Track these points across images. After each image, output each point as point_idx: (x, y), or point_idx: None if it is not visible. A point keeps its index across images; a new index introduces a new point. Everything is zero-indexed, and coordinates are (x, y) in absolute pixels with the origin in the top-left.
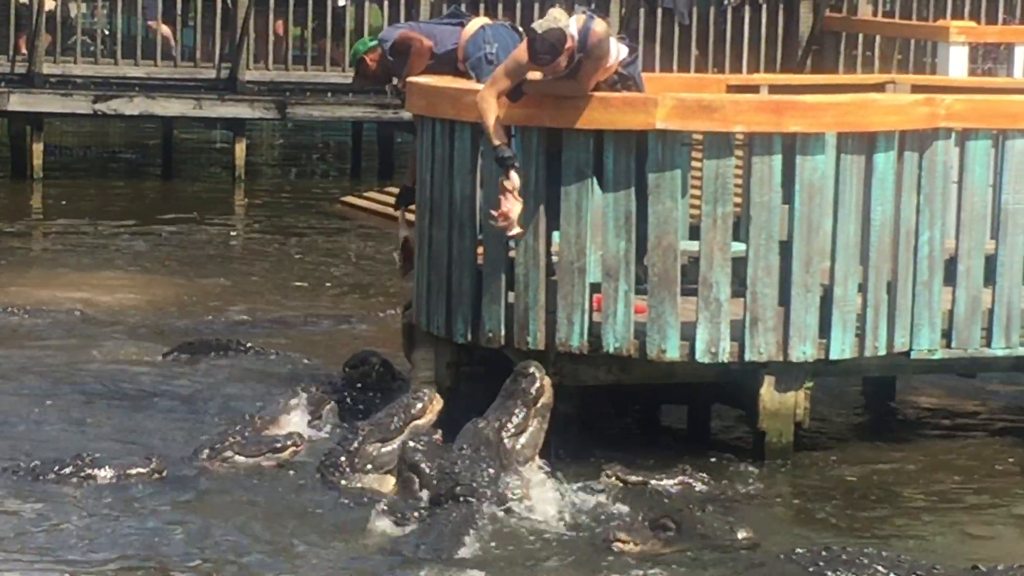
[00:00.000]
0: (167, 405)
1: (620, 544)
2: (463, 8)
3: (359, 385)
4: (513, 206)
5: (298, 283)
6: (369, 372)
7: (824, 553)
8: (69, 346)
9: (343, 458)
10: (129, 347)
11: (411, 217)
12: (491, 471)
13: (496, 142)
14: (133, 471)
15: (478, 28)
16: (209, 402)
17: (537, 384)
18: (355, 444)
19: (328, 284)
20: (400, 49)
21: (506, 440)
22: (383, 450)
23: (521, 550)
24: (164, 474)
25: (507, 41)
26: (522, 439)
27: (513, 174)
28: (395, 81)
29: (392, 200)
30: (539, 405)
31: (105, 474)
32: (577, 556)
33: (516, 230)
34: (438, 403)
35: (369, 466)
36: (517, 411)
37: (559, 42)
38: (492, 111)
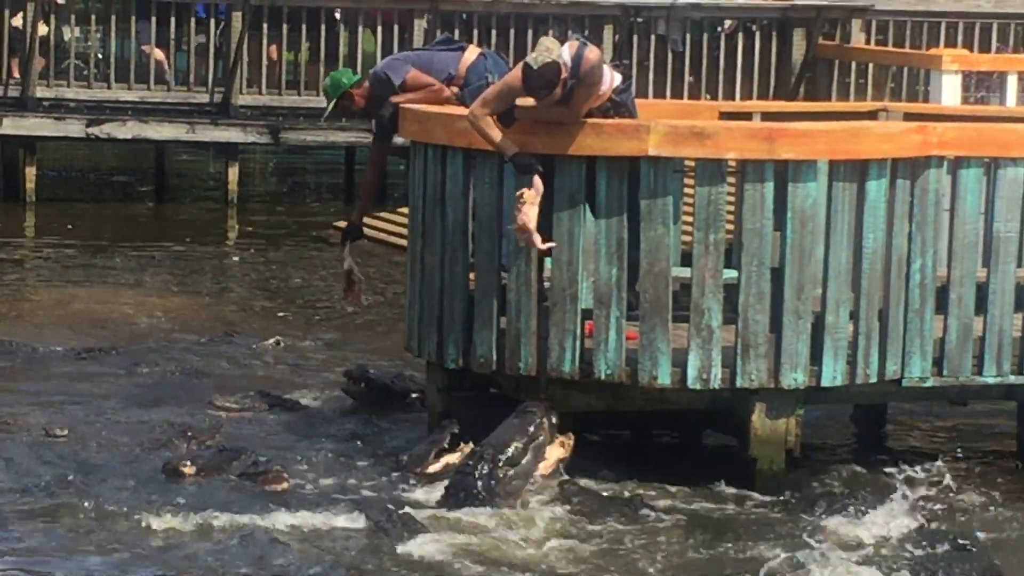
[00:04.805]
0: None
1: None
2: (456, 35)
3: None
4: (531, 214)
5: (289, 309)
6: None
7: None
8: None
9: None
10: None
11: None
12: None
13: (513, 150)
14: None
15: (478, 56)
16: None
17: None
18: None
19: (322, 308)
20: (411, 87)
21: None
22: None
23: None
24: None
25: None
26: None
27: (537, 179)
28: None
29: (385, 225)
30: None
31: None
32: None
33: (542, 242)
34: None
35: None
36: None
37: (555, 75)
38: (492, 126)
